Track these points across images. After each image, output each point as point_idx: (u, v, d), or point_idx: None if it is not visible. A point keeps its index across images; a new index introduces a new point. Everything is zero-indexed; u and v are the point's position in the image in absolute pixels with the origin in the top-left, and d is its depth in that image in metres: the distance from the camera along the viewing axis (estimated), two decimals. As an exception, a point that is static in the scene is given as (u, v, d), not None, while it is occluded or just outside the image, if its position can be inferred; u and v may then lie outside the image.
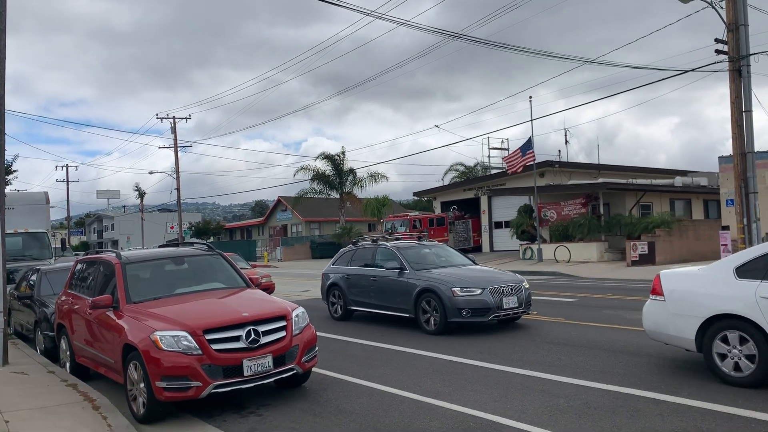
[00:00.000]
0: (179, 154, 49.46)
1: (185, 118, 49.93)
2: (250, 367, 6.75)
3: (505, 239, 38.26)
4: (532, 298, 12.25)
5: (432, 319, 11.11)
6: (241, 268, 19.62)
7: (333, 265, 14.37)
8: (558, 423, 5.92)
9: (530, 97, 31.90)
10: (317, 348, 7.67)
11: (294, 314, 7.40)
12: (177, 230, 54.05)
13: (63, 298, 9.68)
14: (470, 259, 13.26)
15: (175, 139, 49.73)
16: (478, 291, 10.83)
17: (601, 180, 33.77)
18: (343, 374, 8.39)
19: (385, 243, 13.30)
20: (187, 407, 7.03)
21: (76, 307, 8.89)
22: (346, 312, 13.53)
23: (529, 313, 11.82)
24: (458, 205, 43.39)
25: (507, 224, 37.69)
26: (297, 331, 7.30)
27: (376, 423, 6.25)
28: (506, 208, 38.29)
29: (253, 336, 6.83)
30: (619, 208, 31.74)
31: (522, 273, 26.41)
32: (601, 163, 40.45)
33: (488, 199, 40.27)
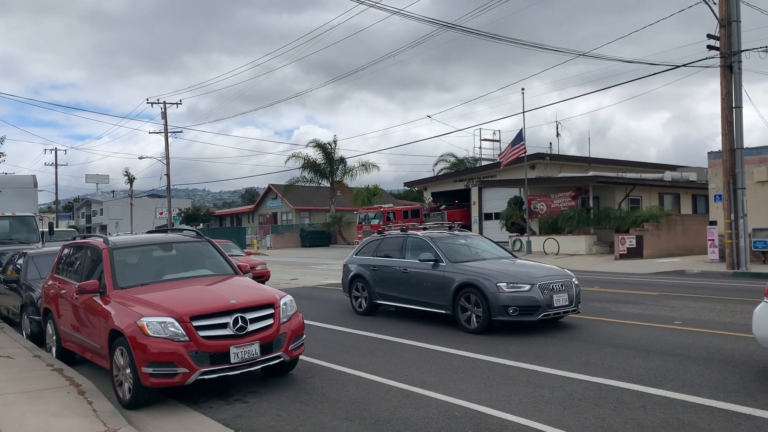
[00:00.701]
0: (170, 139, 49.22)
1: (176, 103, 49.95)
2: (237, 354, 6.75)
3: (495, 231, 38.32)
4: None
5: (473, 316, 10.15)
6: (236, 255, 18.84)
7: (356, 255, 13.31)
8: (542, 413, 5.97)
9: (522, 89, 32.00)
10: (305, 336, 7.68)
11: (282, 302, 7.40)
12: (166, 216, 53.83)
13: (50, 282, 9.63)
14: (508, 252, 12.30)
15: (166, 125, 49.52)
16: (527, 287, 9.84)
17: (591, 173, 33.90)
18: (330, 362, 8.41)
19: (415, 232, 12.29)
20: (173, 393, 7.02)
21: (63, 291, 8.85)
22: (371, 306, 12.45)
23: (578, 312, 10.74)
24: (449, 196, 43.42)
25: (497, 216, 37.80)
26: (285, 319, 7.30)
27: (362, 411, 6.28)
28: (497, 199, 38.38)
29: (240, 323, 6.83)
30: (609, 201, 31.90)
31: (511, 264, 26.61)
32: (591, 156, 40.61)
33: (479, 191, 40.33)
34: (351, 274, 13.04)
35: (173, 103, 49.29)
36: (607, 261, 26.27)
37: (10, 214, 21.06)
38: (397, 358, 8.57)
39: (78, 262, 9.05)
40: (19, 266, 12.64)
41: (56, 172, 68.28)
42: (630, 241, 27.05)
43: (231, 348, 6.73)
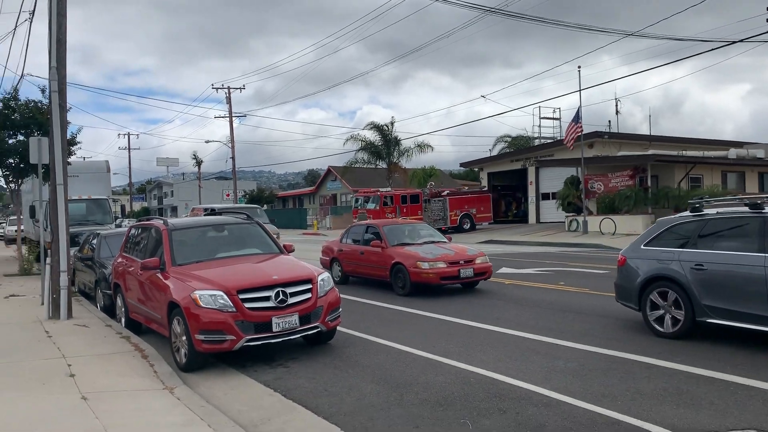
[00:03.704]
0: (235, 123, 50.98)
1: (239, 88, 51.43)
2: (278, 324, 7.53)
3: (552, 211, 38.20)
4: (564, 269, 12.40)
5: None
6: (438, 243, 13.70)
7: (647, 245, 8.91)
8: (551, 381, 6.47)
9: (579, 68, 31.56)
10: (341, 309, 8.40)
11: (320, 278, 8.12)
12: (232, 198, 55.90)
13: (119, 260, 10.69)
14: None
15: (230, 109, 51.26)
16: None
17: (651, 152, 33.26)
18: (366, 334, 9.12)
19: None
20: (224, 359, 7.88)
21: (130, 268, 9.86)
22: (691, 325, 8.05)
23: None
24: (505, 176, 43.35)
25: (554, 196, 37.59)
26: (322, 294, 8.02)
27: (387, 376, 6.95)
28: (554, 179, 38.13)
29: (281, 296, 7.59)
30: (668, 180, 31.31)
31: (565, 245, 26.66)
32: (653, 134, 39.71)
33: (536, 170, 40.16)
34: (645, 276, 8.66)
35: (237, 88, 50.95)
36: (663, 241, 25.92)
37: (86, 197, 22.73)
38: (429, 331, 9.19)
39: (142, 242, 10.04)
40: (93, 245, 13.88)
41: (129, 156, 71.70)
42: (688, 220, 26.55)
43: (273, 318, 7.51)
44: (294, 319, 7.65)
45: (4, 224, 47.85)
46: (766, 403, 5.63)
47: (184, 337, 7.60)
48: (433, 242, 13.88)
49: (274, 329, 7.52)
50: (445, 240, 14.41)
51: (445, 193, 39.69)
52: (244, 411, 6.10)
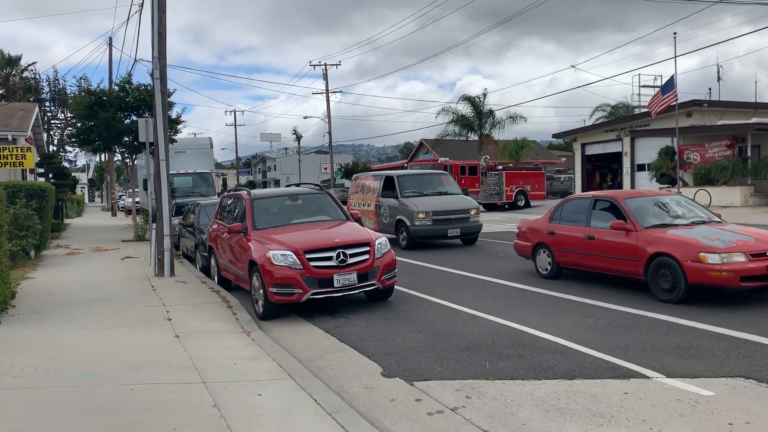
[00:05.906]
0: (336, 97, 52.77)
1: (335, 64, 53.22)
2: (339, 280, 8.63)
3: (647, 183, 37.18)
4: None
5: None
6: (707, 224, 9.63)
7: None
8: (574, 335, 7.16)
9: (674, 34, 30.47)
10: (396, 270, 9.39)
11: (377, 242, 9.14)
12: (330, 171, 58.13)
13: (213, 226, 12.17)
14: None
15: (326, 86, 53.16)
16: None
17: (753, 120, 31.66)
18: (423, 293, 10.06)
19: None
20: (295, 310, 9.08)
21: (222, 233, 11.28)
22: None
23: None
24: (600, 147, 42.42)
25: (650, 167, 36.56)
26: (379, 256, 9.03)
27: (429, 327, 7.89)
28: (650, 150, 36.95)
29: (341, 257, 8.68)
30: (772, 150, 29.80)
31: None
32: (758, 101, 37.53)
33: (631, 141, 39.06)
34: None
35: (333, 65, 52.87)
36: (760, 213, 24.98)
37: (191, 171, 24.92)
38: (480, 293, 10.00)
39: (230, 210, 11.44)
40: (194, 214, 15.59)
41: (236, 132, 75.73)
42: (788, 192, 25.38)
43: (334, 275, 8.61)
44: (353, 276, 8.73)
45: (124, 196, 52.33)
46: (766, 356, 6.10)
47: (261, 290, 8.87)
48: (703, 222, 9.80)
49: (335, 285, 8.63)
50: (718, 218, 10.18)
51: (501, 167, 39.07)
52: (304, 350, 7.25)
